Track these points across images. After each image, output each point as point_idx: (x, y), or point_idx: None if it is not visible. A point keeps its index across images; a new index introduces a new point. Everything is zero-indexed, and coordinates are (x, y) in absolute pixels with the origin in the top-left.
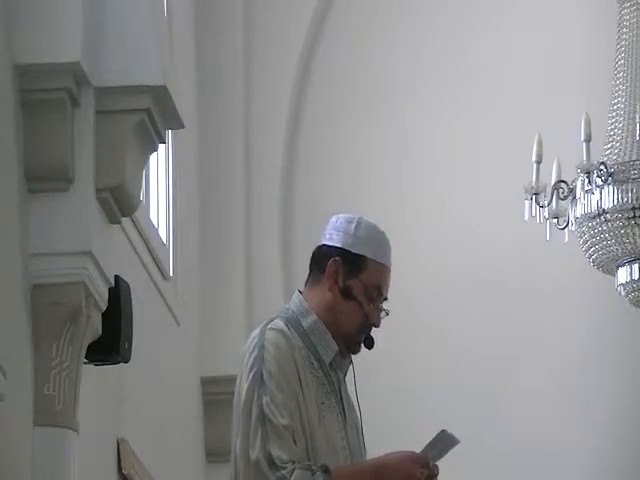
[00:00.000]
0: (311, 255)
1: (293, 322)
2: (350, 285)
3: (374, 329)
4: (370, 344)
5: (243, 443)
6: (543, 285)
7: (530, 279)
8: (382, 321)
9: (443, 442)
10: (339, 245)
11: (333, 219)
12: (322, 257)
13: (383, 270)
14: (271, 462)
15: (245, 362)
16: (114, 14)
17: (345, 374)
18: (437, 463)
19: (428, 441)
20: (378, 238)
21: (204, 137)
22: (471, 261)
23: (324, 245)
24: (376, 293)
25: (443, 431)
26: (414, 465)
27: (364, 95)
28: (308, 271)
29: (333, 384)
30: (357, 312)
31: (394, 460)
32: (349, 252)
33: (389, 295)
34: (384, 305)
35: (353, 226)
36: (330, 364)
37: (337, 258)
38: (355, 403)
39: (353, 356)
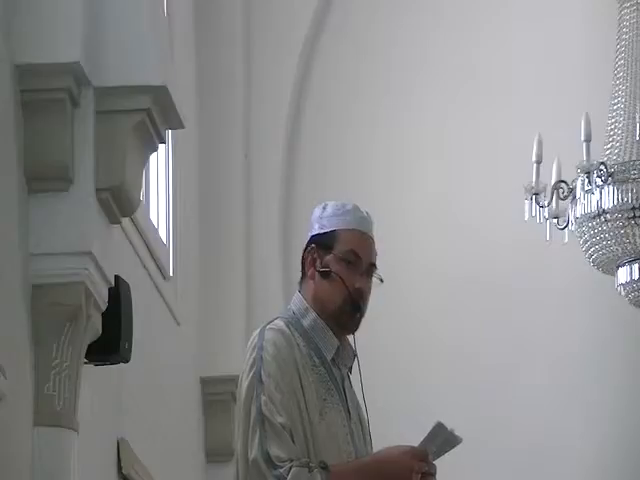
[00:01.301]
0: None
1: (294, 322)
2: (327, 263)
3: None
4: (356, 310)
5: (243, 443)
6: (543, 285)
7: (530, 279)
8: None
9: (442, 437)
10: (313, 233)
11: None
12: (304, 253)
13: (355, 234)
14: (269, 461)
15: (245, 362)
16: (114, 14)
17: (350, 370)
18: (436, 461)
19: (426, 434)
20: (345, 209)
21: (204, 137)
22: (471, 261)
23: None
24: (353, 256)
25: (440, 424)
26: (413, 460)
27: (364, 95)
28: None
29: (336, 380)
30: (338, 286)
31: (393, 455)
32: (320, 234)
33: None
34: (377, 273)
35: (320, 211)
36: (333, 360)
37: (312, 245)
38: (360, 398)
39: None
